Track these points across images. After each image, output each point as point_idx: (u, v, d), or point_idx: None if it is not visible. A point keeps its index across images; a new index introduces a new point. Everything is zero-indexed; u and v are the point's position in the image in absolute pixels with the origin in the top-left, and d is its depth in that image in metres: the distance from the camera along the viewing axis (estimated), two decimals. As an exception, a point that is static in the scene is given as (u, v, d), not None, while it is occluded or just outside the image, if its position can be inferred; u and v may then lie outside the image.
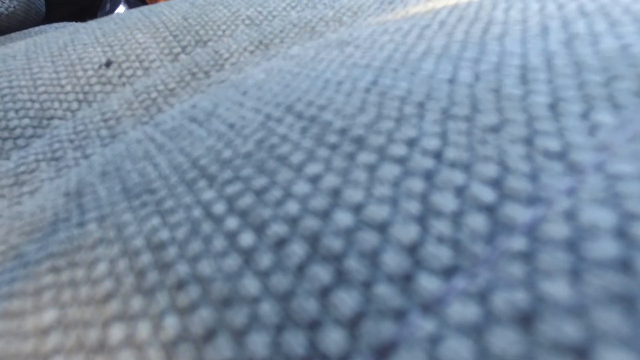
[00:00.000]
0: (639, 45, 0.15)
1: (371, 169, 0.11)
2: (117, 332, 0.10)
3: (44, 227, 0.15)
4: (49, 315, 0.11)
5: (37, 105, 0.28)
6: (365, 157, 0.12)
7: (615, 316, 0.07)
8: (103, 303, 0.11)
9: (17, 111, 0.27)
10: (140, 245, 0.12)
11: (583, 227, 0.08)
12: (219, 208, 0.12)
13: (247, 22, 0.35)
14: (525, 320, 0.07)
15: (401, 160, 0.11)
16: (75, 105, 0.28)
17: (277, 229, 0.10)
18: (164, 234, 0.12)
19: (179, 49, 0.32)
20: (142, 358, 0.09)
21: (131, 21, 0.36)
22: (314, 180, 0.11)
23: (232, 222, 0.11)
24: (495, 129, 0.12)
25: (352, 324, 0.08)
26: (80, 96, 0.29)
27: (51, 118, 0.27)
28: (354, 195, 0.10)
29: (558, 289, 0.08)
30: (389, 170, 0.11)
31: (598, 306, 0.07)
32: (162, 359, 0.09)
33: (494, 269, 0.08)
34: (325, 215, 0.10)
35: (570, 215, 0.09)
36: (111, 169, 0.17)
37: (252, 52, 0.30)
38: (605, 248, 0.08)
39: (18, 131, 0.27)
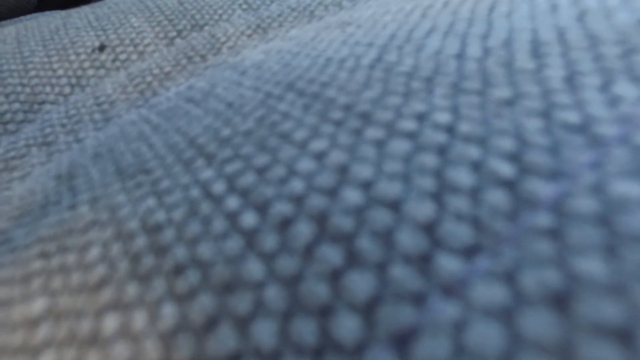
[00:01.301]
0: (656, 18, 0.14)
1: (380, 144, 0.10)
2: (111, 322, 0.09)
3: (34, 211, 0.15)
4: (39, 305, 0.11)
5: (27, 90, 0.27)
6: (373, 133, 0.11)
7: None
8: (96, 290, 0.10)
9: (7, 95, 0.26)
10: (135, 228, 0.11)
11: (613, 200, 0.08)
12: (219, 187, 0.11)
13: (244, 6, 0.34)
14: (560, 300, 0.07)
15: (411, 135, 0.10)
16: (67, 89, 0.27)
17: (282, 208, 0.10)
18: (160, 216, 0.11)
19: (174, 33, 0.31)
20: (138, 350, 0.09)
21: (125, 5, 0.35)
22: (319, 157, 0.11)
23: (232, 202, 0.10)
24: (509, 103, 0.11)
25: (368, 310, 0.07)
26: (73, 80, 0.28)
27: (42, 103, 0.26)
28: (362, 171, 0.10)
29: (593, 266, 0.07)
30: (399, 146, 0.10)
31: (637, 283, 0.07)
32: (160, 350, 0.08)
33: (519, 247, 0.07)
34: (332, 193, 0.09)
35: (597, 189, 0.08)
36: (104, 150, 0.17)
37: (249, 36, 0.29)
38: (638, 221, 0.07)
39: (8, 116, 0.26)
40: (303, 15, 0.31)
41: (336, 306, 0.08)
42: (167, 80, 0.25)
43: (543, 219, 0.08)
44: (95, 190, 0.13)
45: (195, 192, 0.11)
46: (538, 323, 0.06)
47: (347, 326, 0.07)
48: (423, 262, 0.08)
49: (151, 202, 0.11)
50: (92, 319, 0.10)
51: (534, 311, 0.07)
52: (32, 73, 0.28)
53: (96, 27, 0.32)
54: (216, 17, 0.33)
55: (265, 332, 0.08)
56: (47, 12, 0.50)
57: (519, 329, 0.07)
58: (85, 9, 0.36)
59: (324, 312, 0.08)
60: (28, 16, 0.49)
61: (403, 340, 0.07)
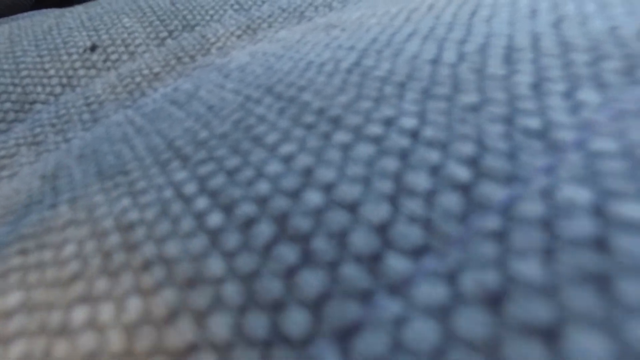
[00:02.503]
0: (628, 26, 0.14)
1: (346, 148, 0.11)
2: (79, 315, 0.10)
3: (18, 210, 0.15)
4: (14, 298, 0.11)
5: (19, 90, 0.27)
6: (341, 137, 0.11)
7: (588, 296, 0.07)
8: (68, 285, 0.10)
9: (-2, 95, 0.27)
10: (109, 226, 0.11)
11: (559, 204, 0.08)
12: (190, 188, 0.11)
13: (236, 7, 0.34)
14: (494, 301, 0.07)
15: (377, 140, 0.11)
16: (58, 89, 0.28)
17: (246, 208, 0.10)
18: (134, 215, 0.11)
19: (165, 34, 0.31)
20: (103, 340, 0.09)
21: (118, 5, 0.36)
22: (287, 159, 0.11)
23: (201, 202, 0.11)
24: (475, 108, 0.12)
25: (316, 306, 0.08)
26: (64, 80, 0.28)
27: (34, 102, 0.27)
28: (326, 174, 0.10)
29: (529, 268, 0.07)
30: (364, 150, 0.11)
31: (570, 286, 0.07)
32: (123, 341, 0.09)
33: (465, 249, 0.08)
34: (295, 195, 0.10)
35: (546, 194, 0.09)
36: (88, 151, 0.17)
37: (239, 36, 0.29)
38: (581, 226, 0.08)
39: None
40: (293, 16, 0.32)
41: (287, 302, 0.08)
42: (155, 81, 0.25)
43: (491, 222, 0.08)
44: (76, 191, 0.14)
45: (168, 193, 0.11)
46: (471, 322, 0.07)
47: (296, 321, 0.08)
48: (373, 262, 0.08)
49: (126, 202, 0.12)
50: (62, 312, 0.10)
51: (469, 310, 0.07)
52: (24, 73, 0.28)
53: (88, 27, 0.32)
54: (207, 17, 0.33)
55: (220, 325, 0.08)
56: (43, 10, 0.50)
57: (454, 327, 0.07)
58: (78, 9, 0.37)
59: (276, 307, 0.08)
60: (24, 14, 0.50)
61: (346, 335, 0.07)
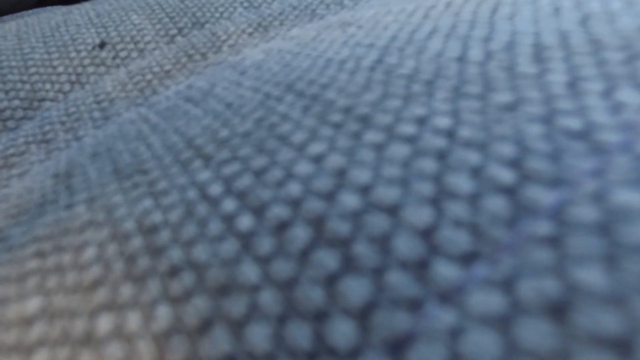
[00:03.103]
0: (658, 24, 0.14)
1: (379, 148, 0.10)
2: (105, 323, 0.09)
3: (31, 210, 0.15)
4: (34, 304, 0.11)
5: (27, 87, 0.27)
6: (372, 136, 0.11)
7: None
8: (91, 291, 0.10)
9: (6, 92, 0.26)
10: (131, 229, 0.11)
11: (614, 209, 0.08)
12: (216, 189, 0.11)
13: (246, 4, 0.34)
14: (557, 310, 0.07)
15: (411, 140, 0.10)
16: (67, 86, 0.27)
17: (278, 211, 0.09)
18: (157, 217, 0.11)
19: (175, 31, 0.31)
20: (132, 351, 0.08)
21: (126, 2, 0.35)
22: (317, 160, 0.10)
23: (229, 205, 0.10)
24: (510, 108, 0.11)
25: (363, 315, 0.07)
26: (73, 77, 0.28)
27: (42, 100, 0.26)
28: (361, 175, 0.10)
29: (592, 276, 0.07)
30: (398, 150, 0.10)
31: (637, 294, 0.06)
32: (153, 352, 0.08)
33: (518, 255, 0.07)
34: (330, 197, 0.09)
35: (599, 198, 0.08)
36: (102, 149, 0.17)
37: (250, 34, 0.29)
38: (641, 233, 0.07)
39: (8, 113, 0.26)
40: (304, 14, 0.31)
41: (331, 311, 0.07)
42: (167, 78, 0.25)
43: (543, 227, 0.08)
44: (92, 190, 0.13)
45: (192, 194, 0.11)
46: (535, 332, 0.06)
47: (342, 331, 0.07)
48: (420, 269, 0.08)
49: (148, 203, 0.11)
50: (86, 319, 0.09)
51: (531, 320, 0.07)
52: (32, 70, 0.28)
53: (97, 24, 0.32)
54: (217, 14, 0.33)
55: (259, 336, 0.08)
56: (48, 8, 0.50)
57: (516, 338, 0.06)
58: (86, 6, 0.36)
59: (319, 317, 0.07)
60: (29, 11, 0.49)
61: (398, 347, 0.07)
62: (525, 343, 0.06)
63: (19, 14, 0.48)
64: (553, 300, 0.07)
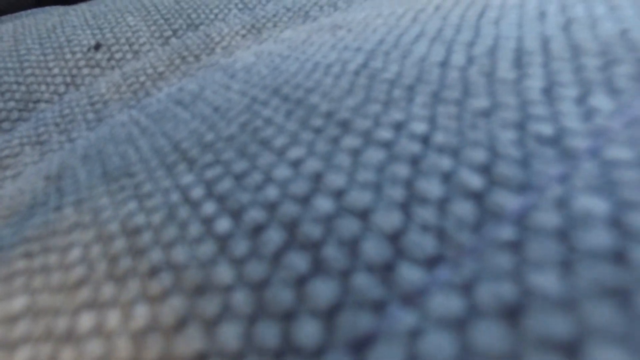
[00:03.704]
0: (639, 29, 0.14)
1: (355, 153, 0.11)
2: (86, 321, 0.09)
3: (22, 211, 0.15)
4: (19, 302, 0.11)
5: (23, 88, 0.27)
6: (350, 141, 0.11)
7: (608, 311, 0.07)
8: (74, 290, 0.10)
9: (2, 94, 0.27)
10: (115, 230, 0.11)
11: (575, 215, 0.08)
12: (197, 192, 0.11)
13: (240, 6, 0.34)
14: (511, 314, 0.07)
15: (387, 145, 0.11)
16: (62, 88, 0.27)
17: (255, 214, 0.10)
18: (140, 219, 0.11)
19: (170, 32, 0.31)
20: (110, 348, 0.09)
21: (122, 4, 0.35)
22: (296, 164, 0.11)
23: (209, 207, 0.11)
24: (486, 113, 0.11)
25: (328, 316, 0.08)
26: (68, 79, 0.28)
27: (37, 101, 0.27)
28: (336, 180, 0.10)
29: (547, 281, 0.07)
30: (374, 155, 0.10)
31: (589, 300, 0.07)
32: (130, 349, 0.09)
33: (480, 260, 0.08)
34: (305, 201, 0.10)
35: (562, 203, 0.08)
36: (93, 152, 0.17)
37: (244, 36, 0.29)
38: (599, 238, 0.07)
39: (3, 114, 0.26)
40: (298, 16, 0.32)
41: (298, 312, 0.08)
42: (160, 80, 0.25)
43: (506, 232, 0.08)
44: (80, 192, 0.14)
45: (175, 197, 0.11)
46: (489, 335, 0.07)
47: (308, 331, 0.08)
48: (385, 271, 0.08)
49: (132, 205, 0.12)
50: (68, 317, 0.10)
51: (486, 323, 0.07)
52: (28, 71, 0.28)
53: (92, 25, 0.32)
54: (212, 16, 0.33)
55: (230, 334, 0.08)
56: (46, 8, 0.50)
57: (471, 340, 0.07)
58: (82, 7, 0.37)
59: (287, 317, 0.08)
60: (27, 12, 0.49)
61: (359, 347, 0.07)
62: (479, 345, 0.07)
63: (16, 14, 0.48)
64: (508, 304, 0.07)
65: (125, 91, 0.25)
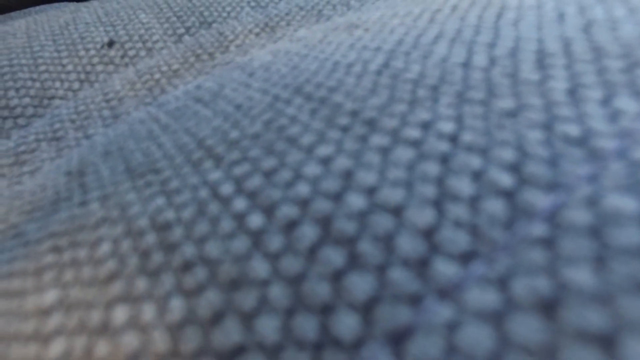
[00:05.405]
0: (658, 32, 0.14)
1: (384, 151, 0.11)
2: (120, 314, 0.10)
3: (45, 206, 0.15)
4: (50, 296, 0.11)
5: (37, 85, 0.27)
6: (378, 140, 0.11)
7: (642, 306, 0.07)
8: (106, 284, 0.11)
9: (17, 90, 0.27)
10: (145, 226, 0.11)
11: (606, 213, 0.08)
12: (227, 189, 0.11)
13: (253, 4, 0.34)
14: (548, 307, 0.07)
15: (415, 143, 0.11)
16: (76, 85, 0.28)
17: (287, 210, 0.10)
18: (170, 215, 0.11)
19: (182, 30, 0.32)
20: (147, 340, 0.09)
21: (134, 1, 0.36)
22: (325, 162, 0.11)
23: (240, 204, 0.11)
24: (512, 114, 0.12)
25: (366, 309, 0.08)
26: (82, 76, 0.28)
27: (52, 98, 0.27)
28: (367, 177, 0.10)
29: (581, 276, 0.07)
30: (403, 153, 0.11)
31: (624, 294, 0.07)
32: (168, 341, 0.09)
33: (513, 255, 0.08)
34: (337, 197, 0.10)
35: (592, 202, 0.09)
36: (114, 148, 0.17)
37: (257, 34, 0.29)
38: (630, 235, 0.08)
39: (18, 110, 0.26)
40: (311, 15, 0.32)
41: (336, 305, 0.08)
42: (175, 77, 0.25)
43: (538, 229, 0.08)
44: (105, 188, 0.14)
45: (203, 193, 0.12)
46: (526, 327, 0.07)
47: (346, 324, 0.08)
48: (421, 266, 0.08)
49: (160, 201, 0.12)
50: (102, 310, 0.10)
51: (523, 316, 0.07)
52: (42, 68, 0.28)
53: (105, 22, 0.32)
54: (224, 14, 0.33)
55: (268, 327, 0.08)
56: (56, 5, 0.50)
57: (508, 332, 0.07)
58: (94, 4, 0.37)
59: (325, 310, 0.08)
60: (37, 8, 0.50)
61: (398, 339, 0.07)
62: (516, 337, 0.07)
63: (26, 10, 0.49)
64: (544, 297, 0.07)
65: (140, 88, 0.25)
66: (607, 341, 0.07)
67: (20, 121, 0.26)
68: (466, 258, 0.08)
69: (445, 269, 0.08)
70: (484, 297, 0.07)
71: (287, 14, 0.31)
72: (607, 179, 0.09)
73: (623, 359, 0.06)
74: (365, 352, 0.07)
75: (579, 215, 0.08)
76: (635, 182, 0.09)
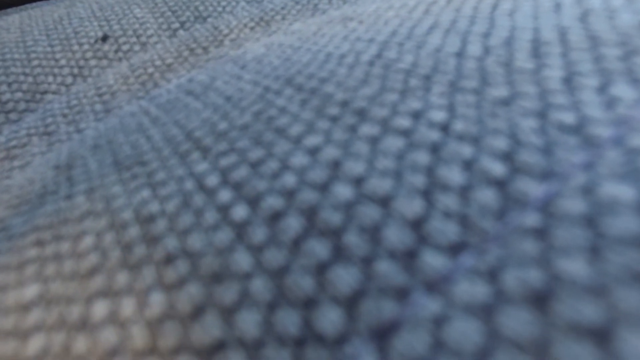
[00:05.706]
0: (657, 21, 0.14)
1: (374, 141, 0.10)
2: (100, 309, 0.09)
3: (32, 200, 0.15)
4: (31, 290, 0.11)
5: (30, 79, 0.27)
6: (368, 129, 0.11)
7: (638, 296, 0.06)
8: (87, 278, 0.10)
9: (9, 84, 0.27)
10: (129, 218, 0.11)
11: (601, 202, 0.08)
12: (212, 180, 0.11)
13: (248, -2, 0.34)
14: (540, 300, 0.07)
15: (406, 133, 0.10)
16: (69, 79, 0.27)
17: (273, 202, 0.10)
18: (154, 207, 0.11)
19: (177, 25, 0.31)
20: (126, 336, 0.09)
21: (129, -4, 0.35)
22: (313, 152, 0.11)
23: (225, 195, 0.10)
24: (505, 102, 0.11)
25: (351, 303, 0.07)
26: (75, 70, 0.28)
27: (45, 92, 0.26)
28: (355, 167, 0.10)
29: (575, 267, 0.07)
30: (393, 143, 0.10)
31: (619, 285, 0.07)
32: (146, 337, 0.08)
33: (505, 246, 0.08)
34: (323, 188, 0.09)
35: (587, 190, 0.08)
36: (103, 142, 0.17)
37: (252, 28, 0.29)
38: (627, 224, 0.07)
39: (10, 105, 0.26)
40: (306, 9, 0.31)
41: (320, 299, 0.08)
42: (168, 71, 0.25)
43: (530, 219, 0.08)
44: (92, 181, 0.14)
45: (189, 185, 0.11)
46: (517, 321, 0.07)
47: (330, 319, 0.07)
48: (408, 258, 0.08)
49: (146, 193, 0.12)
50: (82, 305, 0.10)
51: (514, 309, 0.07)
52: (35, 62, 0.28)
53: (99, 17, 0.32)
54: (219, 9, 0.33)
55: (249, 322, 0.08)
56: (52, 0, 0.50)
57: (498, 326, 0.07)
58: (90, -1, 0.36)
59: (308, 305, 0.08)
60: (33, 4, 0.49)
61: (383, 334, 0.07)
62: (506, 332, 0.06)
63: (22, 6, 0.48)
64: (536, 290, 0.07)
65: (133, 83, 0.25)
66: (601, 335, 0.06)
67: (12, 116, 0.26)
68: (455, 249, 0.08)
69: (433, 261, 0.08)
70: (473, 290, 0.07)
71: (282, 8, 0.31)
72: (603, 166, 0.09)
73: (618, 354, 0.06)
74: (349, 348, 0.07)
75: (574, 204, 0.08)
76: (632, 170, 0.08)
